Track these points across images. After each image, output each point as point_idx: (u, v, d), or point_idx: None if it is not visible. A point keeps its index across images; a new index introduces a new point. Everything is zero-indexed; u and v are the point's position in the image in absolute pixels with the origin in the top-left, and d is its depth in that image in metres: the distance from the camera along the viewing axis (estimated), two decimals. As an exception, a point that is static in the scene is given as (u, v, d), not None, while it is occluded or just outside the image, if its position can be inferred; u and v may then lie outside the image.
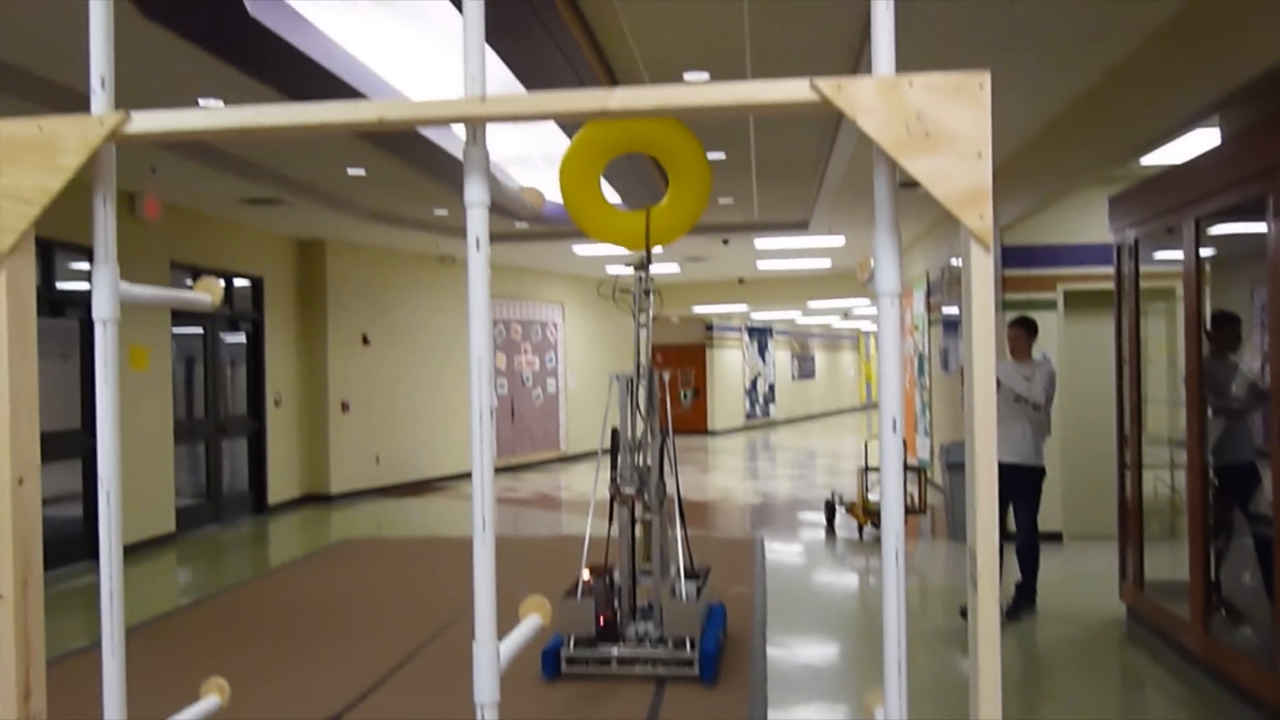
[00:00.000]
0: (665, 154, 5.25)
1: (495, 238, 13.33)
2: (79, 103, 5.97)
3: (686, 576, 5.43)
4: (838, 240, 13.48)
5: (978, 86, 1.69)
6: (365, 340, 13.43)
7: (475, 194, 1.90)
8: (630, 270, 5.67)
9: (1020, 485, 6.48)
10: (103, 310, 2.01)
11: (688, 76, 6.18)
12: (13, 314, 1.95)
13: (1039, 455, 6.57)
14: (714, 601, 5.95)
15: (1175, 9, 4.99)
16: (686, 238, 13.24)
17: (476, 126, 1.90)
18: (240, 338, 11.90)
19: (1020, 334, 6.69)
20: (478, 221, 1.90)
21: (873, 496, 9.79)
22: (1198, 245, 5.33)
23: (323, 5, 5.20)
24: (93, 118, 1.93)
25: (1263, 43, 4.27)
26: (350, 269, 13.22)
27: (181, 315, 10.48)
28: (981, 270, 1.72)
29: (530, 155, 8.41)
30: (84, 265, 9.04)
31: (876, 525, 9.50)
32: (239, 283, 11.74)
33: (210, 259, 10.89)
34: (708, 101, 1.79)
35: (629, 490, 5.31)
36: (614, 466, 5.43)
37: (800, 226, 12.39)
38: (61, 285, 8.80)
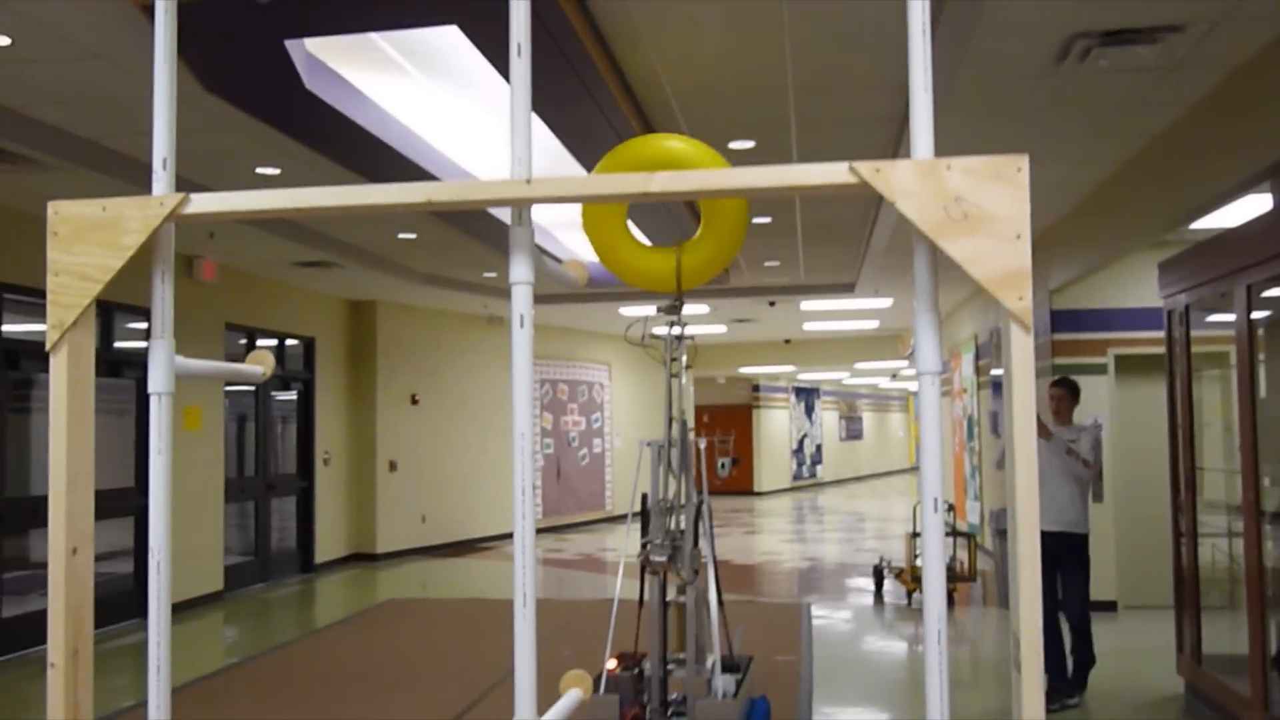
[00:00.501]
0: None
1: (542, 299, 13.47)
2: (135, 169, 6.10)
3: (724, 669, 4.91)
4: (885, 302, 13.44)
5: (1015, 170, 1.71)
6: (414, 400, 13.57)
7: (520, 272, 1.94)
8: (664, 319, 5.14)
9: (1070, 554, 6.20)
10: (158, 384, 2.06)
11: (733, 145, 6.25)
12: (72, 387, 2.01)
13: (1087, 522, 6.33)
14: (755, 695, 5.41)
15: (1218, 80, 4.98)
16: (733, 299, 13.31)
17: (522, 208, 1.95)
18: (291, 396, 12.08)
19: (1063, 394, 6.41)
20: (522, 299, 1.94)
21: (921, 563, 9.64)
22: (1250, 312, 5.26)
23: (375, 76, 5.35)
24: (153, 199, 2.00)
25: (1312, 111, 4.25)
26: (400, 330, 13.41)
27: (235, 375, 10.66)
28: (1022, 350, 1.72)
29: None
30: (142, 325, 9.27)
31: (925, 592, 9.32)
32: (290, 343, 11.94)
33: (264, 320, 11.11)
34: (748, 184, 1.82)
35: (659, 558, 4.71)
36: (644, 532, 4.92)
37: (847, 289, 12.39)
38: (120, 344, 9.02)
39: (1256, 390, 5.40)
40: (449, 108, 5.93)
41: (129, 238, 1.98)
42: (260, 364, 2.44)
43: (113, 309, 8.77)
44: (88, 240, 1.99)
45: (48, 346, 2.00)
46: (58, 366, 2.00)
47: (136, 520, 8.85)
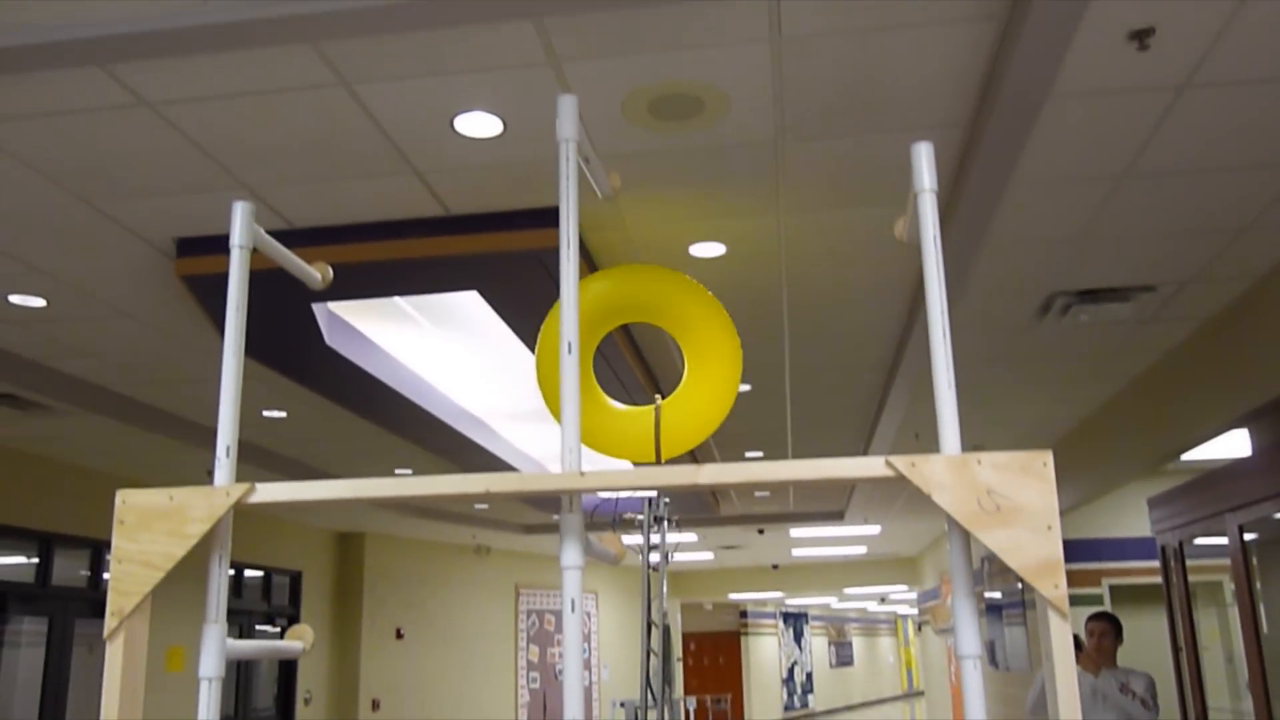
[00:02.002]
0: (677, 323, 3.18)
1: (531, 529, 13.43)
2: (143, 412, 6.19)
3: None
4: (873, 529, 13.48)
5: (1041, 464, 1.83)
6: (399, 634, 13.25)
7: (571, 558, 2.02)
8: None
9: None
10: (209, 669, 2.09)
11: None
12: (126, 673, 2.04)
13: None
14: None
15: (1190, 331, 5.27)
16: (721, 528, 13.31)
17: (573, 496, 2.06)
18: (274, 631, 11.80)
19: (1106, 629, 5.63)
20: (573, 584, 2.01)
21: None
22: (1244, 550, 5.35)
23: (386, 325, 5.58)
24: (220, 489, 2.09)
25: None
26: (388, 562, 13.25)
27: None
28: (1061, 637, 1.79)
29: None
30: (75, 553, 8.71)
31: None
32: (276, 578, 11.76)
33: (251, 555, 10.99)
34: (791, 477, 1.94)
35: None
36: None
37: (836, 516, 12.45)
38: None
39: (1259, 626, 5.42)
40: (453, 352, 6.15)
41: (194, 526, 2.06)
42: (300, 639, 2.46)
43: (52, 539, 8.23)
44: (153, 529, 2.07)
45: (105, 634, 2.04)
46: (113, 654, 2.03)
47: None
